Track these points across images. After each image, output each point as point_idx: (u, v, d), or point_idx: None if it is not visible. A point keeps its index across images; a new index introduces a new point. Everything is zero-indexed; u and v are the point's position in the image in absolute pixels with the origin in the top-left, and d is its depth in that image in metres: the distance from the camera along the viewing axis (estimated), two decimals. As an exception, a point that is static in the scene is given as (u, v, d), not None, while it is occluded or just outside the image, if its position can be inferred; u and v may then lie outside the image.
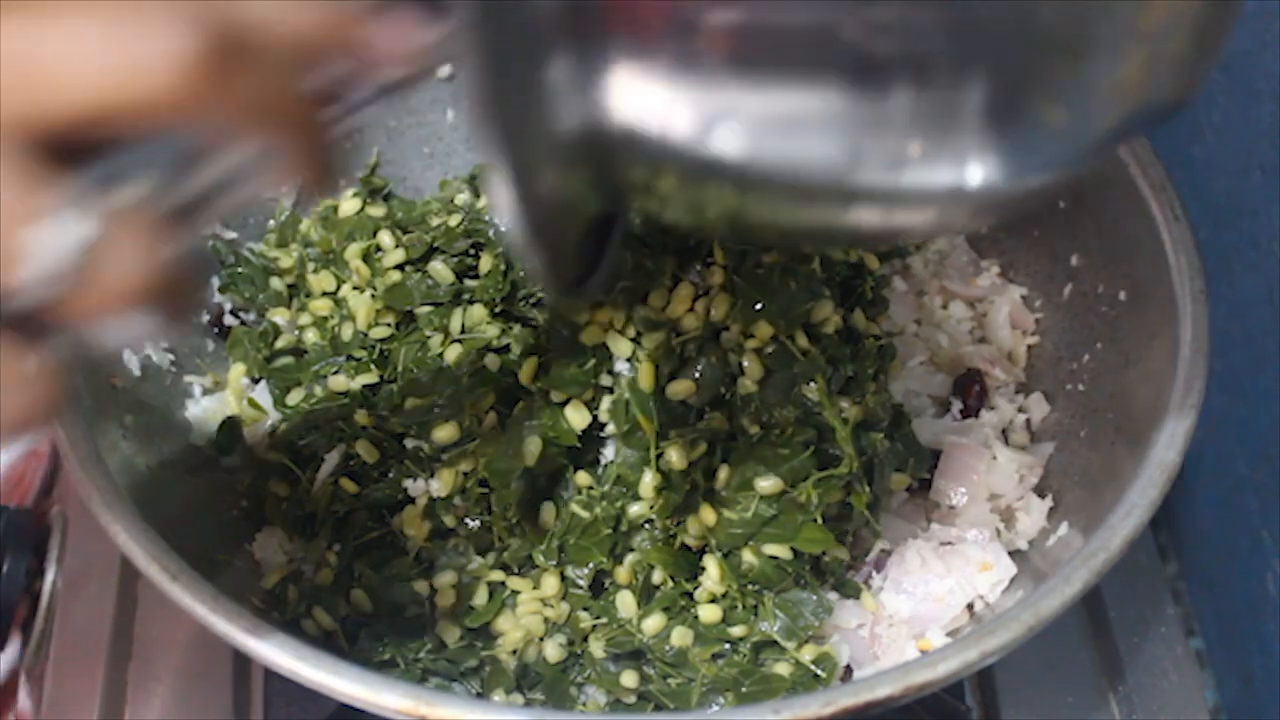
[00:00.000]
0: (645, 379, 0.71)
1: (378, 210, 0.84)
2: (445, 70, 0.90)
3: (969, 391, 0.82)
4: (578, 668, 0.72)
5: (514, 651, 0.71)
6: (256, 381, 0.79)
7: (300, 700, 0.80)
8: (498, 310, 0.74)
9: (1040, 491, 0.77)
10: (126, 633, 0.83)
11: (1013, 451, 0.79)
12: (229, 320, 0.82)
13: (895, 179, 0.43)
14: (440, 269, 0.76)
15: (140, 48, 0.37)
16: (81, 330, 0.41)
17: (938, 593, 0.72)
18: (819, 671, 0.70)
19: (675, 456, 0.70)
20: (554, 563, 0.72)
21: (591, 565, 0.73)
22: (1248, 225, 0.86)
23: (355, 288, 0.79)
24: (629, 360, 0.71)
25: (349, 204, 0.84)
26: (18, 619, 0.87)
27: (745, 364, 0.72)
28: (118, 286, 0.39)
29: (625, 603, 0.72)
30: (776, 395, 0.72)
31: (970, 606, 0.73)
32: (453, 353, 0.73)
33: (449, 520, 0.73)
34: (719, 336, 0.73)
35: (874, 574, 0.75)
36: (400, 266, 0.78)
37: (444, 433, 0.72)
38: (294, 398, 0.77)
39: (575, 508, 0.71)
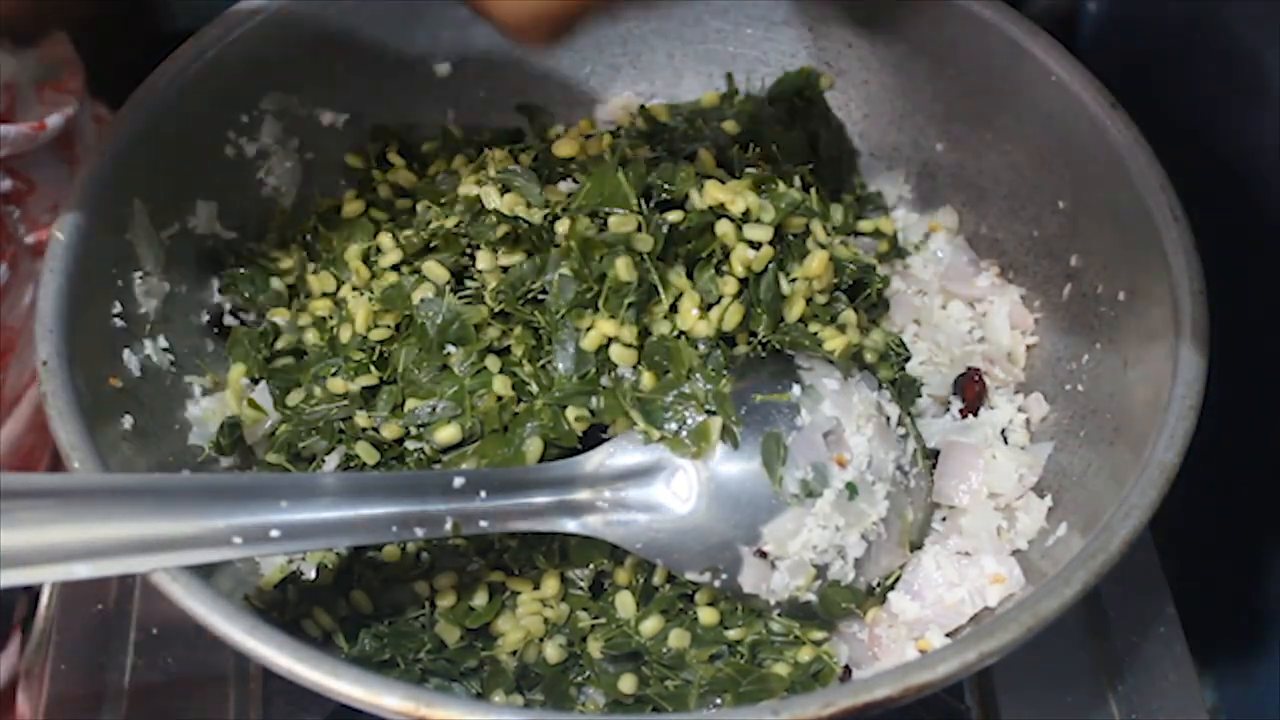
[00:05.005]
0: (649, 382, 0.71)
1: (380, 213, 0.84)
2: (445, 69, 0.90)
3: (969, 390, 0.82)
4: (577, 669, 0.72)
5: (514, 652, 0.71)
6: (256, 382, 0.79)
7: (300, 700, 0.80)
8: (498, 311, 0.74)
9: (1040, 491, 0.77)
10: (126, 633, 0.83)
11: (1012, 451, 0.79)
12: (229, 320, 0.82)
13: None
14: (435, 268, 0.75)
15: None
16: None
17: (948, 600, 0.72)
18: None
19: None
20: (554, 564, 0.73)
21: (592, 566, 0.73)
22: (1248, 225, 0.86)
23: (355, 289, 0.79)
24: (634, 367, 0.71)
25: (352, 205, 0.84)
26: (18, 619, 0.87)
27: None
28: None
29: (624, 604, 0.72)
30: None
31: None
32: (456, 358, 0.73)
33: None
34: (730, 341, 0.73)
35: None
36: (397, 267, 0.78)
37: (445, 434, 0.72)
38: (294, 398, 0.77)
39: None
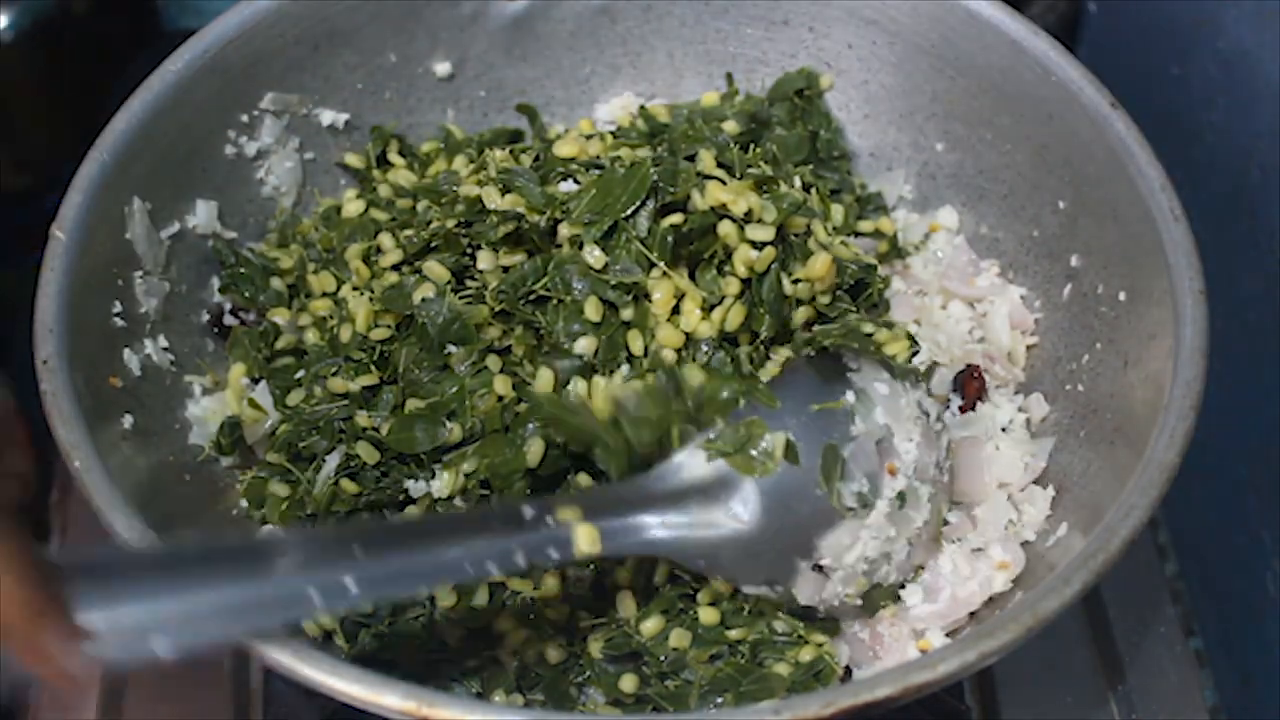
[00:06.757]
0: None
1: (380, 213, 0.84)
2: (445, 69, 0.90)
3: (968, 386, 0.82)
4: (577, 669, 0.72)
5: (514, 652, 0.71)
6: (256, 381, 0.79)
7: (300, 700, 0.80)
8: (499, 311, 0.74)
9: (1042, 484, 0.77)
10: (126, 633, 0.82)
11: (1014, 440, 0.79)
12: (229, 320, 0.82)
13: None
14: (436, 268, 0.75)
15: None
16: None
17: (960, 594, 0.72)
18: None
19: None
20: (554, 563, 0.73)
21: (592, 566, 0.73)
22: (1248, 225, 0.86)
23: (355, 288, 0.79)
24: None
25: (352, 205, 0.84)
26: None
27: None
28: None
29: (625, 604, 0.72)
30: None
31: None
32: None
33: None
34: (733, 341, 0.73)
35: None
36: (398, 267, 0.78)
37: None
38: (294, 398, 0.77)
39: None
